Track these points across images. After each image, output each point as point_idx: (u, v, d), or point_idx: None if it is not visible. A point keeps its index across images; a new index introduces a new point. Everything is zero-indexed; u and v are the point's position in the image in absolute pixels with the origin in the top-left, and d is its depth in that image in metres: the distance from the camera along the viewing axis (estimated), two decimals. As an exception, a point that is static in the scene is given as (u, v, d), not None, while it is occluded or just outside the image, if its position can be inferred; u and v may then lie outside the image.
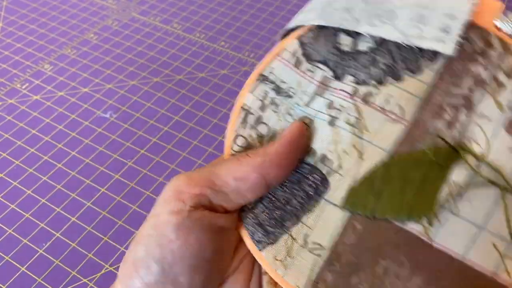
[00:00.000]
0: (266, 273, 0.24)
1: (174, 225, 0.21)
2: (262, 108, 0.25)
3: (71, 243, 0.37)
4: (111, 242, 0.37)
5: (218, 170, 0.23)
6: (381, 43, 0.25)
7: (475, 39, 0.24)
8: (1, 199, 0.39)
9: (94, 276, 0.35)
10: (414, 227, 0.22)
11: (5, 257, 0.36)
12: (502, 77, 0.23)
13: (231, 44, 0.54)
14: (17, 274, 0.35)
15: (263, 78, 0.26)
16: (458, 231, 0.22)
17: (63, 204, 0.39)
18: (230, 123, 0.25)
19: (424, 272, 0.21)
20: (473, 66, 0.24)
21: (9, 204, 0.39)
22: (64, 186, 0.40)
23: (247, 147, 0.25)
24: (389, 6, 0.26)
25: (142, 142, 0.44)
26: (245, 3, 0.59)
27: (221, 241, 0.23)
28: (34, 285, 0.34)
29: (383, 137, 0.23)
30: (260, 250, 0.24)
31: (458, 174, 0.22)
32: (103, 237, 0.37)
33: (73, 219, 0.38)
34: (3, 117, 0.46)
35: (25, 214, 0.38)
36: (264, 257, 0.23)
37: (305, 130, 0.24)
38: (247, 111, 0.25)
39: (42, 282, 0.35)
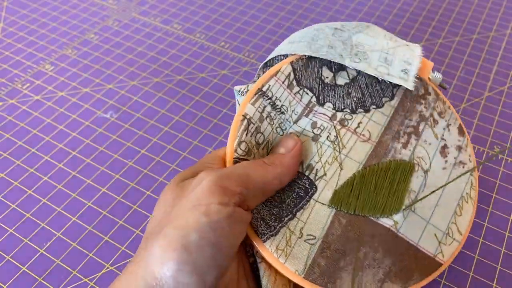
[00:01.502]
0: (261, 261, 0.28)
1: (226, 214, 0.24)
2: (261, 119, 0.30)
3: (71, 242, 0.37)
4: (112, 242, 0.37)
5: (251, 174, 0.26)
6: (354, 80, 0.32)
7: (418, 86, 0.33)
8: (2, 199, 0.40)
9: (95, 275, 0.35)
10: (385, 221, 0.29)
11: (6, 256, 0.36)
12: (436, 116, 0.33)
13: (231, 45, 0.54)
14: (17, 274, 0.35)
15: (262, 93, 0.30)
16: (414, 224, 0.29)
17: (64, 204, 0.39)
18: (233, 129, 0.29)
19: (392, 256, 0.28)
20: (418, 105, 0.33)
21: (10, 204, 0.39)
22: (64, 186, 0.40)
23: (248, 152, 0.29)
24: (363, 49, 0.33)
25: (142, 142, 0.44)
26: (245, 4, 0.60)
27: (244, 234, 0.26)
28: (35, 284, 0.35)
29: (357, 152, 0.30)
30: (264, 241, 0.27)
31: (413, 183, 0.30)
32: (103, 236, 0.37)
33: (74, 219, 0.38)
34: (3, 117, 0.46)
35: (26, 213, 0.39)
36: (267, 247, 0.27)
37: (302, 147, 0.30)
38: (249, 121, 0.29)
39: (43, 281, 0.35)
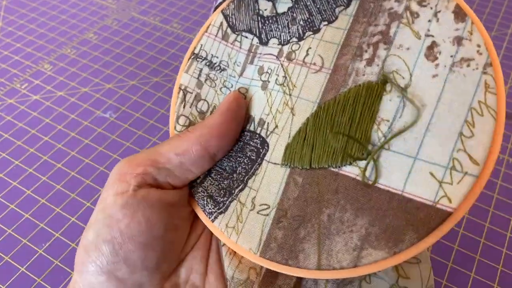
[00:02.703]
0: (224, 244, 0.25)
1: (120, 205, 0.22)
2: (199, 85, 0.26)
3: (70, 243, 0.37)
4: (111, 243, 0.37)
5: (160, 149, 0.24)
6: (298, 1, 0.26)
7: None
8: (1, 199, 0.39)
9: (94, 276, 0.35)
10: (349, 170, 0.22)
11: (5, 257, 0.36)
12: (414, 6, 0.23)
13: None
14: (16, 274, 0.35)
15: (194, 56, 0.27)
16: (393, 165, 0.21)
17: (63, 204, 0.39)
18: (172, 105, 0.26)
19: (367, 213, 0.21)
20: (386, 2, 0.24)
21: (9, 204, 0.39)
22: (64, 186, 0.40)
23: (189, 125, 0.25)
24: None
25: (142, 142, 0.44)
26: (245, 3, 0.59)
27: (172, 217, 0.23)
28: (34, 285, 0.34)
29: (309, 89, 0.24)
30: (212, 221, 0.24)
31: (384, 111, 0.22)
32: (102, 237, 0.37)
33: (73, 219, 0.38)
34: (2, 117, 0.46)
35: (24, 214, 0.38)
36: (217, 226, 0.24)
37: (241, 99, 0.25)
38: (184, 91, 0.26)
39: (42, 282, 0.35)
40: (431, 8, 0.23)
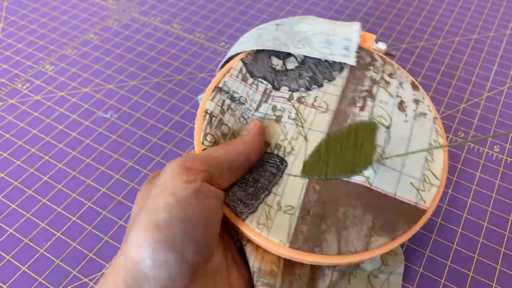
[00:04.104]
0: (247, 243, 0.29)
1: (193, 190, 0.24)
2: (222, 112, 0.32)
3: (71, 242, 0.37)
4: (112, 242, 0.37)
5: (213, 154, 0.28)
6: (303, 62, 0.35)
7: (364, 55, 0.36)
8: (2, 199, 0.40)
9: (95, 275, 0.35)
10: (357, 179, 0.30)
11: (6, 256, 0.36)
12: (386, 77, 0.35)
13: (231, 45, 0.54)
14: (17, 274, 0.35)
15: (219, 89, 0.33)
16: (388, 176, 0.31)
17: (64, 204, 0.39)
18: (197, 125, 0.31)
19: (372, 210, 0.29)
20: (367, 72, 0.35)
21: (10, 204, 0.39)
22: (64, 186, 0.40)
23: (215, 143, 0.30)
24: (304, 35, 0.36)
25: (142, 142, 0.44)
26: (245, 4, 0.60)
27: (220, 211, 0.27)
28: (35, 284, 0.35)
29: (318, 124, 0.33)
30: (244, 220, 0.28)
31: (379, 139, 0.32)
32: (103, 237, 0.37)
33: (74, 219, 0.38)
34: (3, 117, 0.46)
35: (25, 214, 0.39)
36: (248, 224, 0.28)
37: (263, 126, 0.31)
38: (210, 115, 0.31)
39: (43, 281, 0.35)
40: (397, 80, 0.35)
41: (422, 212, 0.30)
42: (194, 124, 0.45)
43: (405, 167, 0.31)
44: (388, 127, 0.32)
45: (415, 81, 0.35)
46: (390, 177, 0.30)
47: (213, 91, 0.33)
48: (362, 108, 0.33)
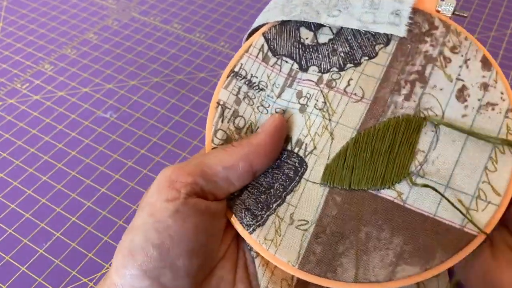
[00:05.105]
0: (257, 256, 0.25)
1: (171, 211, 0.22)
2: (237, 102, 0.27)
3: (71, 243, 0.37)
4: (111, 242, 0.37)
5: (207, 160, 0.24)
6: (339, 34, 0.28)
7: (421, 22, 0.28)
8: (1, 199, 0.39)
9: (94, 276, 0.35)
10: (388, 193, 0.24)
11: (5, 257, 0.36)
12: (447, 52, 0.27)
13: (231, 44, 0.54)
14: (17, 274, 0.35)
15: (234, 74, 0.28)
16: (427, 192, 0.24)
17: (63, 204, 0.39)
18: (209, 119, 0.27)
19: (402, 233, 0.24)
20: (422, 45, 0.27)
21: (9, 204, 0.39)
22: (64, 186, 0.40)
23: (227, 140, 0.26)
24: None
25: (142, 142, 0.44)
26: (245, 4, 0.59)
27: (213, 227, 0.24)
28: (34, 285, 0.34)
29: (349, 116, 0.26)
30: (250, 233, 0.25)
31: (421, 142, 0.25)
32: (103, 237, 0.37)
33: (73, 219, 0.38)
34: (3, 117, 0.46)
35: (25, 214, 0.38)
36: (255, 239, 0.25)
37: (284, 122, 0.26)
38: (223, 106, 0.27)
39: (42, 282, 0.35)
40: (462, 55, 0.26)
41: (471, 237, 0.23)
42: (194, 124, 0.45)
43: (453, 179, 0.24)
44: (437, 125, 0.25)
45: (488, 55, 0.26)
46: (431, 192, 0.24)
47: (227, 76, 0.28)
48: (407, 97, 0.26)
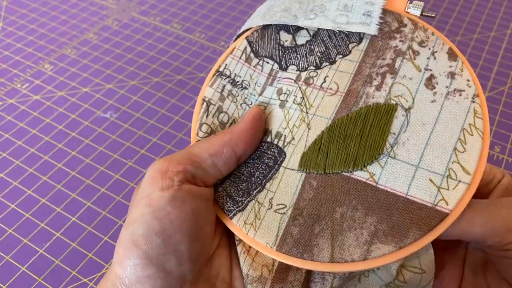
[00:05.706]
0: (239, 242, 0.27)
1: (168, 198, 0.23)
2: (222, 99, 0.29)
3: (71, 243, 0.37)
4: (111, 242, 0.37)
5: (194, 150, 0.26)
6: (315, 35, 0.31)
7: (390, 21, 0.30)
8: (1, 199, 0.39)
9: (94, 276, 0.35)
10: (360, 175, 0.26)
11: (5, 257, 0.36)
12: (416, 46, 0.29)
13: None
14: (17, 274, 0.35)
15: (219, 73, 0.30)
16: (398, 172, 0.25)
17: (63, 204, 0.39)
18: (195, 114, 0.29)
19: (376, 212, 0.25)
20: (392, 41, 0.29)
21: (9, 204, 0.39)
22: (64, 186, 0.40)
23: (211, 133, 0.28)
24: (319, 1, 0.31)
25: (142, 142, 0.44)
26: (245, 3, 0.59)
27: (207, 211, 0.25)
28: (34, 285, 0.34)
29: (325, 108, 0.28)
30: (231, 218, 0.26)
31: (393, 126, 0.27)
32: (103, 237, 0.37)
33: (73, 219, 0.38)
34: (3, 117, 0.46)
35: (25, 214, 0.38)
36: (235, 223, 0.26)
37: (262, 112, 0.28)
38: (208, 102, 0.29)
39: (42, 282, 0.35)
40: (429, 48, 0.29)
41: (443, 216, 0.24)
42: (194, 124, 0.45)
43: (424, 159, 0.25)
44: (407, 110, 0.27)
45: (454, 48, 0.29)
46: (402, 172, 0.25)
47: (213, 75, 0.30)
48: (378, 87, 0.28)
